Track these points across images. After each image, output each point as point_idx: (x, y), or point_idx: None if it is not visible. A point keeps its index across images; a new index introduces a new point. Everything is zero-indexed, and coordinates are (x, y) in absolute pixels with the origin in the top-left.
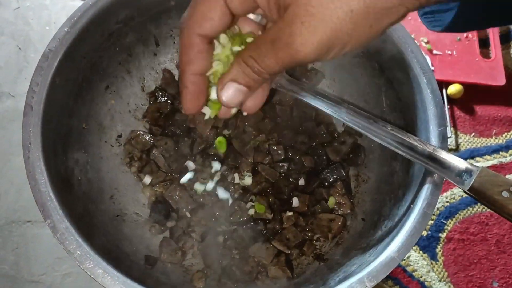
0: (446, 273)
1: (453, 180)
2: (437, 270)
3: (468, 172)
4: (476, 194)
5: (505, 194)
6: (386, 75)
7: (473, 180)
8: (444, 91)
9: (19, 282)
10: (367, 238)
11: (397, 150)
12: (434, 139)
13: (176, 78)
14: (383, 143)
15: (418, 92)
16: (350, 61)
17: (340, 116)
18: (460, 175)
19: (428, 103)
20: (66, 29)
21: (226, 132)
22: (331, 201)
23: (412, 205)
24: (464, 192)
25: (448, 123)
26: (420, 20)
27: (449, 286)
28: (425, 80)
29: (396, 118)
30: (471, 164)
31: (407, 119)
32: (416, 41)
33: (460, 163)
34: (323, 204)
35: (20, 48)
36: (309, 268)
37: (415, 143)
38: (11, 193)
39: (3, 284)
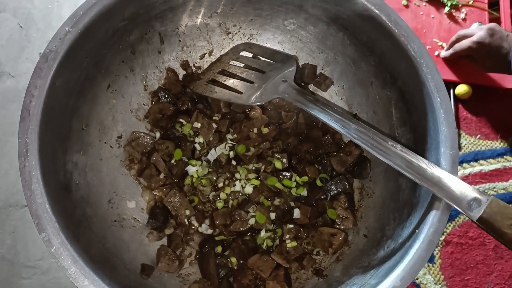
0: (442, 276)
1: (462, 209)
2: (433, 272)
3: (478, 201)
4: (485, 225)
5: None
6: (397, 87)
7: (482, 210)
8: (451, 90)
9: (15, 266)
10: (368, 256)
11: (405, 173)
12: (444, 163)
13: (180, 78)
14: (391, 164)
15: (431, 111)
16: (361, 69)
17: (348, 133)
18: (469, 204)
19: (440, 124)
20: (67, 28)
21: (229, 137)
22: (331, 213)
23: (417, 230)
24: (472, 221)
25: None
26: (432, 16)
27: None
28: (438, 99)
29: (405, 133)
30: (481, 193)
31: (417, 135)
32: (427, 39)
33: (469, 192)
34: (325, 217)
35: (21, 27)
36: (307, 284)
37: (424, 166)
38: (10, 175)
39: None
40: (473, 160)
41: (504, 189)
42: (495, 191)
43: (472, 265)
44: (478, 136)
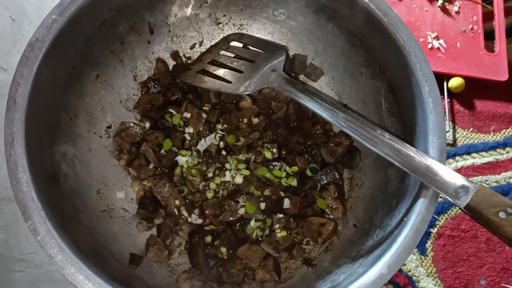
0: (435, 269)
1: (449, 196)
2: (425, 265)
3: (465, 189)
4: (472, 213)
5: (501, 214)
6: (387, 77)
7: (469, 198)
8: (445, 84)
9: (8, 260)
10: (357, 246)
11: (393, 161)
12: (432, 151)
13: (170, 68)
14: (380, 153)
15: (419, 100)
16: (351, 59)
17: (337, 121)
18: (457, 191)
19: (429, 113)
20: (54, 17)
21: (219, 127)
22: (321, 203)
23: (405, 218)
24: (460, 209)
25: (447, 117)
26: (425, 9)
27: (437, 282)
28: (427, 88)
29: (395, 123)
30: (468, 181)
31: (405, 125)
32: (421, 32)
33: (457, 180)
34: (314, 207)
35: (13, 20)
36: (297, 273)
37: (412, 154)
38: (2, 169)
39: None
40: (466, 153)
41: (496, 182)
42: (487, 184)
43: (464, 258)
44: (471, 129)
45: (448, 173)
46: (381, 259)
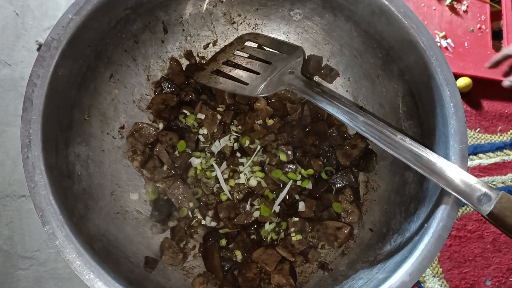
0: (441, 269)
1: (471, 204)
2: (432, 265)
3: (488, 196)
4: (495, 221)
5: None
6: (405, 80)
7: (492, 205)
8: None
9: (12, 257)
10: (374, 251)
11: (414, 166)
12: (453, 157)
13: (184, 68)
14: (400, 158)
15: (440, 105)
16: (368, 61)
17: (356, 126)
18: (479, 198)
19: (449, 118)
20: (70, 16)
21: (233, 128)
22: (336, 206)
23: (426, 225)
24: (482, 216)
25: None
26: (433, 8)
27: (443, 282)
28: (448, 93)
29: (412, 126)
30: (491, 188)
31: (424, 129)
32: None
33: (479, 186)
34: (330, 210)
35: (17, 14)
36: (313, 277)
37: (434, 160)
38: (6, 165)
39: None
40: (472, 153)
41: (502, 182)
42: (493, 184)
43: (470, 258)
44: (478, 129)
45: (470, 180)
46: (403, 266)
